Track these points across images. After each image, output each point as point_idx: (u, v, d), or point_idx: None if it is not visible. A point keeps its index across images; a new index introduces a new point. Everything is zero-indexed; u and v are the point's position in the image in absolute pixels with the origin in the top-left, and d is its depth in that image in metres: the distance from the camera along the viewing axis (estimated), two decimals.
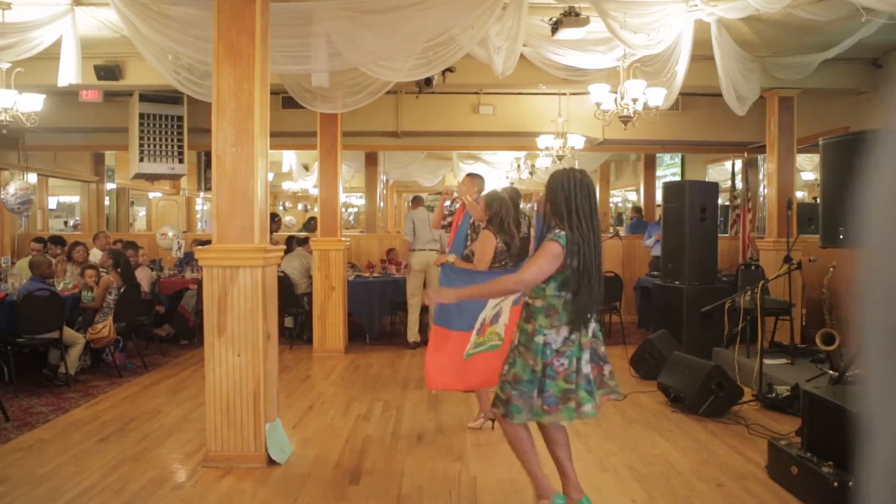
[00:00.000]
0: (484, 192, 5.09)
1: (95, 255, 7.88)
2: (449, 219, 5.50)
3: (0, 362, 5.82)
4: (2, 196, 9.96)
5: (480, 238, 4.53)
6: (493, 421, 4.70)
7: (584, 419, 3.20)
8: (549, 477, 3.35)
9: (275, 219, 7.24)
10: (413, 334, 7.89)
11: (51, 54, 6.03)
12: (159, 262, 8.97)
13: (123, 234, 11.15)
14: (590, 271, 3.07)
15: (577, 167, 3.42)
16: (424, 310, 7.58)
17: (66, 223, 16.18)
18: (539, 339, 3.08)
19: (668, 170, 14.39)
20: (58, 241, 8.40)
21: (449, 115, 9.83)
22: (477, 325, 4.10)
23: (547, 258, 3.05)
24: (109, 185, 14.05)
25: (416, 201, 8.89)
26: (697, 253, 7.02)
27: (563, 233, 3.07)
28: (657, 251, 9.14)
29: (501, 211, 4.50)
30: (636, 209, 12.78)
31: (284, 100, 8.87)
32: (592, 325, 3.16)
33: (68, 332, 6.02)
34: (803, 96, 7.80)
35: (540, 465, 3.31)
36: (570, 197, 3.10)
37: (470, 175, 5.41)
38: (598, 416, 5.06)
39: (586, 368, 3.11)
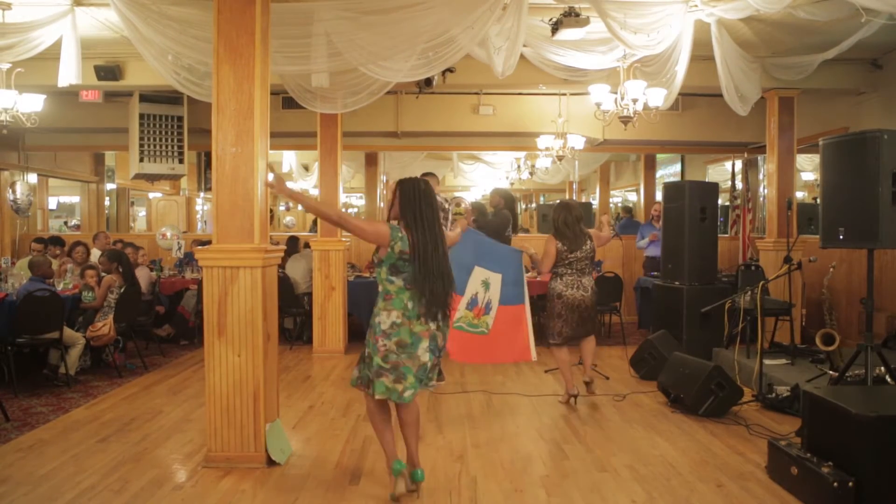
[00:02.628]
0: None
1: (95, 255, 7.88)
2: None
3: (0, 362, 5.82)
4: (11, 197, 10.10)
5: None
6: (575, 397, 5.44)
7: (402, 404, 3.53)
8: (395, 446, 3.68)
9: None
10: None
11: (51, 54, 6.03)
12: (159, 262, 8.97)
13: (123, 235, 11.14)
14: (430, 271, 3.44)
15: (422, 177, 3.87)
16: None
17: (65, 223, 16.18)
18: (375, 319, 3.50)
19: (668, 168, 14.40)
20: (57, 241, 8.40)
21: (449, 115, 9.84)
22: (467, 300, 4.53)
23: (369, 223, 3.65)
24: (109, 186, 14.04)
25: None
26: (697, 253, 7.02)
27: (399, 227, 3.52)
28: (650, 251, 9.14)
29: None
30: (626, 209, 12.77)
31: (284, 100, 8.88)
32: (435, 323, 3.49)
33: (68, 333, 6.02)
34: (803, 96, 7.80)
35: (391, 439, 3.66)
36: (415, 206, 3.52)
37: (428, 175, 5.79)
38: (598, 416, 5.11)
39: (425, 357, 3.46)
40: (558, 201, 6.18)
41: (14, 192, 10.21)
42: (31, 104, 6.72)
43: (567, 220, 5.42)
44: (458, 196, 9.29)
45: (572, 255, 5.39)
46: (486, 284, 4.76)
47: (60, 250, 8.09)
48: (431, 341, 3.49)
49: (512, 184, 16.27)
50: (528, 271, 5.82)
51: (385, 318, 3.45)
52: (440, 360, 3.63)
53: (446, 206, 5.97)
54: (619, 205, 15.71)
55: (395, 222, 3.64)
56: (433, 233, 3.52)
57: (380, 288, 3.54)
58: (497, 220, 7.28)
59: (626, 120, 6.51)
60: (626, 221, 11.88)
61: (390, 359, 3.43)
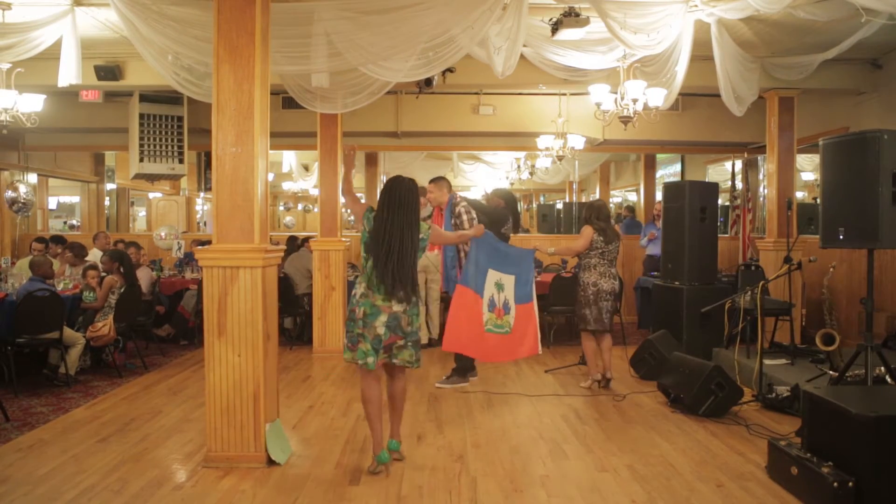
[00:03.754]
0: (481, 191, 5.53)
1: (95, 255, 7.88)
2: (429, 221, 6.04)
3: (0, 362, 5.82)
4: (11, 195, 10.13)
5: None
6: (598, 381, 5.91)
7: (392, 378, 4.09)
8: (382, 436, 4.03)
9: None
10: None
11: (51, 54, 6.03)
12: (159, 262, 8.98)
13: (123, 235, 11.14)
14: (390, 254, 3.85)
15: (407, 176, 4.21)
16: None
17: (65, 223, 16.18)
18: (353, 290, 4.00)
19: (668, 168, 14.39)
20: (59, 240, 8.40)
21: (449, 115, 9.84)
22: (486, 302, 4.80)
23: (359, 203, 4.29)
24: (109, 186, 14.05)
25: None
26: (697, 253, 7.02)
27: (373, 210, 3.99)
28: (651, 250, 9.16)
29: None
30: (628, 208, 12.76)
31: (284, 100, 8.88)
32: (401, 305, 3.89)
33: (68, 333, 6.02)
34: (803, 96, 7.80)
35: (380, 428, 4.01)
36: (390, 196, 3.96)
37: (436, 180, 6.14)
38: (598, 416, 5.12)
39: (381, 330, 3.86)
40: (590, 201, 6.79)
41: (15, 191, 10.22)
42: (31, 104, 6.71)
43: (601, 215, 5.88)
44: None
45: (607, 246, 5.82)
46: (499, 286, 4.95)
47: (62, 248, 8.07)
48: (392, 319, 3.87)
49: (512, 184, 16.26)
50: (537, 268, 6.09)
51: (357, 289, 3.96)
52: (410, 343, 3.96)
53: (459, 209, 6.10)
54: (623, 205, 15.70)
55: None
56: (399, 221, 3.91)
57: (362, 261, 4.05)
58: (494, 215, 7.30)
59: (626, 120, 6.51)
60: (630, 221, 11.89)
61: (354, 326, 3.90)
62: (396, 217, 3.92)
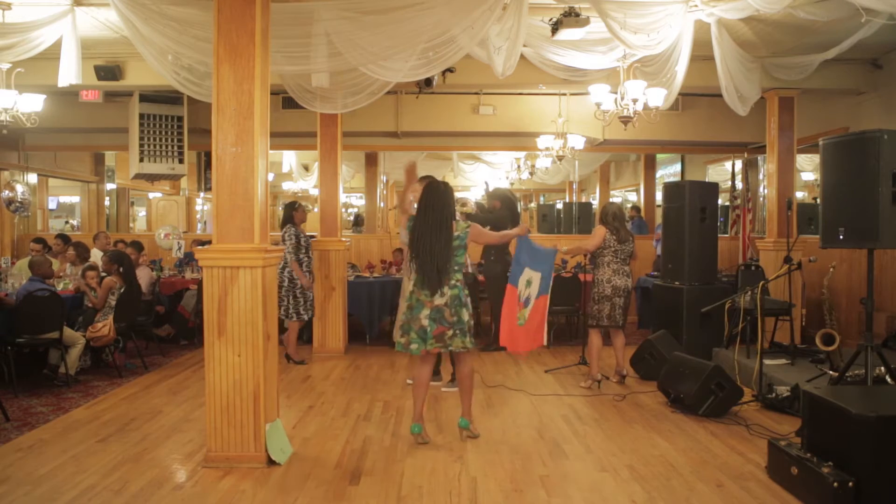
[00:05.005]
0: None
1: (95, 255, 7.87)
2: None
3: (0, 362, 5.82)
4: (8, 194, 10.11)
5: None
6: (598, 382, 6.02)
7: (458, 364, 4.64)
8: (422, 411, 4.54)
9: (296, 206, 7.22)
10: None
11: (51, 54, 6.04)
12: (159, 263, 8.97)
13: (123, 235, 11.14)
14: (423, 254, 4.31)
15: (442, 181, 4.66)
16: None
17: (66, 223, 16.18)
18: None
19: (668, 168, 14.39)
20: (64, 239, 8.39)
21: (449, 115, 9.84)
22: (524, 296, 5.01)
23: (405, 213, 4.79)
24: (109, 186, 14.05)
25: None
26: (697, 253, 7.02)
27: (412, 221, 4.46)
28: (659, 249, 9.17)
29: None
30: (635, 208, 12.76)
31: (284, 100, 8.88)
32: (442, 298, 4.30)
33: (68, 333, 6.02)
34: (803, 96, 7.80)
35: (420, 404, 4.52)
36: (426, 199, 4.41)
37: (422, 179, 5.97)
38: (598, 416, 5.12)
39: (425, 322, 4.31)
40: (606, 203, 7.09)
41: (12, 191, 10.21)
42: (31, 104, 6.71)
43: (616, 215, 6.03)
44: (461, 196, 9.33)
45: (620, 245, 5.96)
46: (528, 283, 5.11)
47: (66, 245, 8.05)
48: (435, 312, 4.31)
49: (512, 184, 16.25)
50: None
51: (407, 285, 4.63)
52: (458, 332, 4.33)
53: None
54: (631, 205, 15.69)
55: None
56: (430, 222, 4.34)
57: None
58: (493, 217, 7.31)
59: (626, 120, 6.51)
60: (639, 221, 11.88)
61: (404, 318, 4.43)
62: (427, 219, 4.35)
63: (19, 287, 6.21)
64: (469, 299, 4.46)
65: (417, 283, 4.35)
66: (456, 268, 4.39)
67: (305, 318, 7.06)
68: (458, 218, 4.54)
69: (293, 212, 7.09)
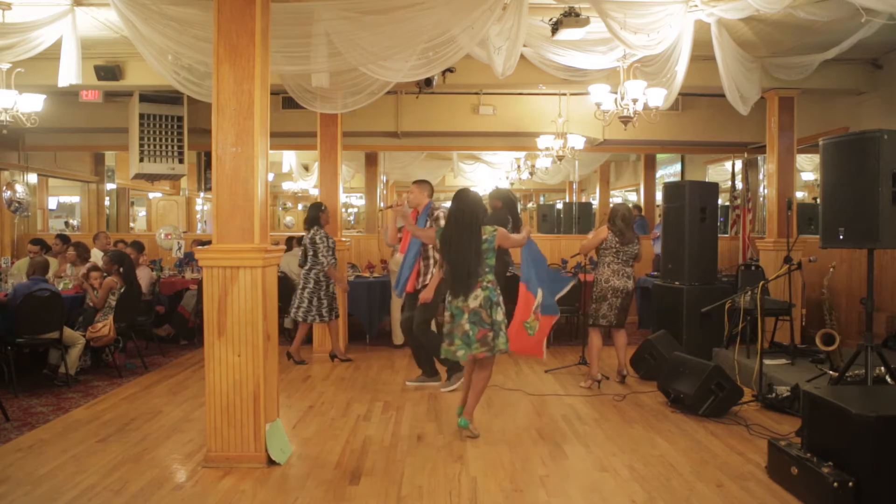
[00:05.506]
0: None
1: (96, 255, 7.87)
2: (400, 234, 6.12)
3: (0, 362, 5.81)
4: (8, 194, 10.10)
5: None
6: (598, 382, 6.02)
7: (478, 367, 4.68)
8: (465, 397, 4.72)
9: (322, 208, 7.18)
10: (398, 337, 7.90)
11: (51, 54, 6.03)
12: (159, 263, 8.97)
13: (124, 235, 11.14)
14: (452, 262, 4.51)
15: (474, 190, 4.82)
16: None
17: (67, 223, 16.18)
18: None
19: (668, 168, 14.39)
20: (64, 239, 8.39)
21: (449, 115, 9.84)
22: (536, 304, 5.10)
23: (423, 233, 5.16)
24: (109, 186, 14.05)
25: None
26: (697, 253, 7.02)
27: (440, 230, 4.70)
28: (658, 247, 9.18)
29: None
30: (637, 207, 12.72)
31: (284, 100, 8.88)
32: (476, 301, 4.47)
33: (68, 333, 6.02)
34: (803, 96, 7.80)
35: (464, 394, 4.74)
36: (454, 208, 4.60)
37: (419, 182, 6.08)
38: (598, 416, 5.12)
39: (467, 326, 4.48)
40: (618, 204, 7.11)
41: (14, 191, 10.21)
42: (31, 104, 6.71)
43: (625, 217, 6.04)
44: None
45: (623, 247, 5.96)
46: (543, 301, 5.20)
47: (66, 246, 8.04)
48: (473, 315, 4.46)
49: (512, 184, 16.25)
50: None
51: (447, 295, 4.60)
52: (499, 331, 4.51)
53: (437, 213, 5.98)
54: (632, 205, 15.68)
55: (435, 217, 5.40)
56: (459, 230, 4.51)
57: None
58: (494, 217, 7.28)
59: (626, 120, 6.51)
60: (641, 221, 11.87)
61: (447, 327, 4.57)
62: (458, 225, 4.53)
63: (17, 284, 6.19)
64: (501, 299, 4.60)
65: (452, 292, 4.53)
66: (487, 269, 4.54)
67: (327, 319, 7.03)
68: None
69: (319, 213, 7.01)
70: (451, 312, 4.53)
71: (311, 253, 6.90)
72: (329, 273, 6.89)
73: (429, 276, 5.82)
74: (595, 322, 6.03)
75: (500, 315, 4.52)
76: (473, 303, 4.46)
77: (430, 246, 5.79)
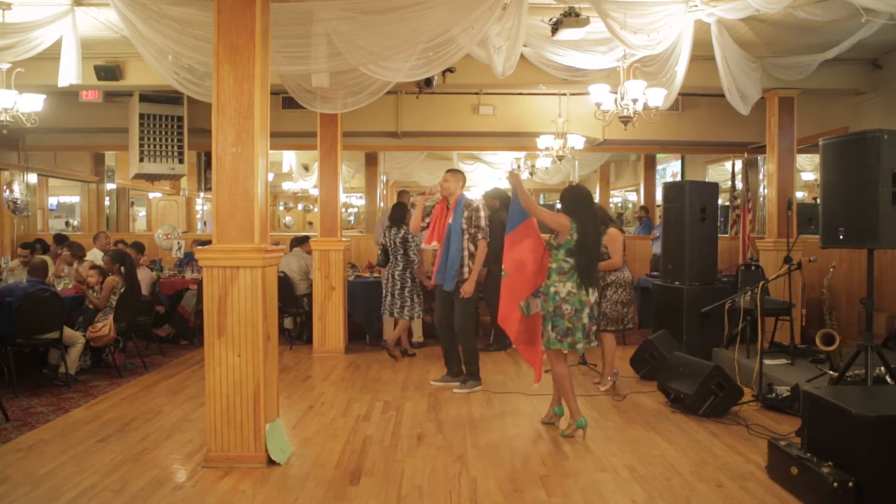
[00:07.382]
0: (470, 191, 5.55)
1: (95, 254, 7.88)
2: (428, 219, 6.06)
3: (0, 362, 5.81)
4: (7, 195, 10.10)
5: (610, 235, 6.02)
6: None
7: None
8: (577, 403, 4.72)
9: (408, 208, 7.24)
10: (387, 333, 7.88)
11: (51, 54, 6.03)
12: (159, 263, 8.98)
13: (124, 235, 11.14)
14: (590, 254, 4.59)
15: (578, 183, 4.91)
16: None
17: (67, 223, 16.18)
18: (551, 289, 4.60)
19: (668, 168, 14.38)
20: (60, 239, 8.39)
21: (449, 115, 9.84)
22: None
23: (552, 215, 4.73)
24: (109, 186, 14.05)
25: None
26: (697, 253, 7.01)
27: (573, 221, 4.57)
28: (656, 248, 9.17)
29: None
30: (644, 208, 12.68)
31: (284, 100, 8.89)
32: (594, 295, 4.62)
33: (68, 332, 6.02)
34: (803, 96, 7.80)
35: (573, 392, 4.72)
36: (582, 206, 4.64)
37: (454, 171, 6.08)
38: (598, 416, 5.12)
39: (586, 320, 4.56)
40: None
41: (11, 191, 10.21)
42: (31, 104, 6.71)
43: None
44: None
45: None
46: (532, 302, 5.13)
47: (61, 247, 8.05)
48: (591, 310, 4.59)
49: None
50: None
51: (562, 288, 4.55)
52: (596, 328, 4.73)
53: (478, 206, 6.01)
54: (633, 205, 15.65)
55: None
56: (592, 227, 4.64)
57: (554, 265, 4.61)
58: (493, 223, 7.27)
59: (626, 120, 6.51)
60: (647, 222, 11.85)
61: (562, 322, 4.54)
62: (591, 222, 4.64)
63: (12, 283, 6.18)
64: None
65: (579, 284, 4.54)
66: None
67: (420, 315, 7.33)
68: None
69: (406, 212, 7.16)
70: (574, 307, 4.53)
71: (401, 252, 7.06)
72: (416, 271, 7.14)
73: (465, 270, 5.84)
74: (623, 327, 6.04)
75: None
76: (593, 297, 4.61)
77: (467, 238, 5.83)
